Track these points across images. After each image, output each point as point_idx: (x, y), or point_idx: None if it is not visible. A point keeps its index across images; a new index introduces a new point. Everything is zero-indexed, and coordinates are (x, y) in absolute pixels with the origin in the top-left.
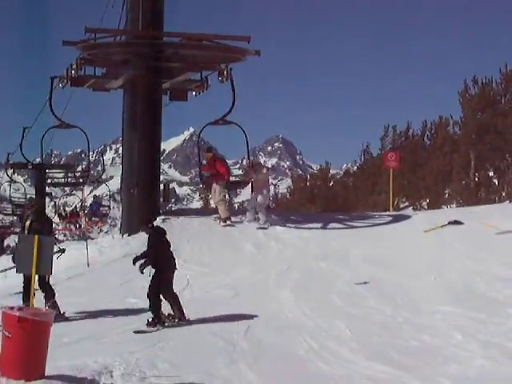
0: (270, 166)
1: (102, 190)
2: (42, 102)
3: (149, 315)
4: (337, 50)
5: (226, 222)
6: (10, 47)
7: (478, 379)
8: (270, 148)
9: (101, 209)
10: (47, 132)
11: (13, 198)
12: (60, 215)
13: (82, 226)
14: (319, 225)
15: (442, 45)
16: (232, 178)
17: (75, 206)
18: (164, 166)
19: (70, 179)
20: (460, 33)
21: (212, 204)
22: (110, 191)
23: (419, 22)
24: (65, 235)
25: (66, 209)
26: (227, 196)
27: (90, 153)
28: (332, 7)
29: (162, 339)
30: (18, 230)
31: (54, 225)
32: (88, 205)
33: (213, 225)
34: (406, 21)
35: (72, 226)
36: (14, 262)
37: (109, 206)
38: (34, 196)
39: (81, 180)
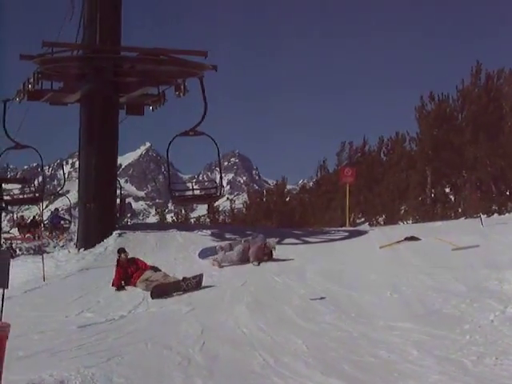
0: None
1: (59, 204)
2: None
3: (104, 330)
4: (294, 63)
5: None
6: None
7: None
8: (226, 163)
9: (61, 222)
10: (2, 153)
11: None
12: (19, 226)
13: (40, 238)
14: (275, 239)
15: (399, 59)
16: (194, 192)
17: (34, 217)
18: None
19: (26, 194)
20: (418, 47)
21: (168, 219)
22: (70, 203)
23: (377, 35)
24: (20, 249)
25: (25, 220)
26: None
27: (46, 167)
28: (289, 18)
29: (118, 354)
30: None
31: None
32: (48, 218)
33: (168, 239)
34: (365, 33)
35: (31, 237)
36: None
37: (69, 220)
38: None
39: (37, 195)
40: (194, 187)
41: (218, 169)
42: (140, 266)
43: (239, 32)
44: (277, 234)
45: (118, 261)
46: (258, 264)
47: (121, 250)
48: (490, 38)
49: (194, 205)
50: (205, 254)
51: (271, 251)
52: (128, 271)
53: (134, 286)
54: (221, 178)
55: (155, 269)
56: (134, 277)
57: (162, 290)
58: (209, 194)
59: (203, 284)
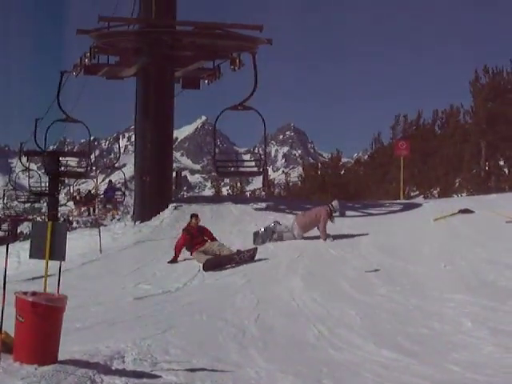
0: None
1: (115, 177)
2: (54, 93)
3: (160, 301)
4: (349, 36)
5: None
6: (24, 38)
7: (487, 366)
8: (281, 137)
9: (116, 194)
10: (52, 125)
11: (31, 188)
12: (75, 200)
13: (96, 212)
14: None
15: (453, 33)
16: (245, 169)
17: (89, 191)
18: (176, 154)
19: (81, 167)
20: (472, 21)
21: (224, 192)
22: (125, 176)
23: (431, 10)
24: (77, 222)
25: (81, 194)
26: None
27: (103, 141)
28: None
29: (174, 325)
30: (31, 217)
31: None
32: (103, 191)
33: (224, 212)
34: (417, 7)
35: (87, 210)
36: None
37: (123, 192)
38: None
39: (89, 168)
40: (240, 160)
41: (270, 142)
42: (207, 237)
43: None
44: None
45: (187, 225)
46: (325, 240)
47: (193, 215)
48: None
49: (250, 178)
50: (258, 238)
51: (332, 213)
52: (193, 241)
53: (191, 255)
54: (265, 152)
55: (213, 246)
56: (197, 248)
57: (215, 263)
58: (253, 168)
59: (258, 256)
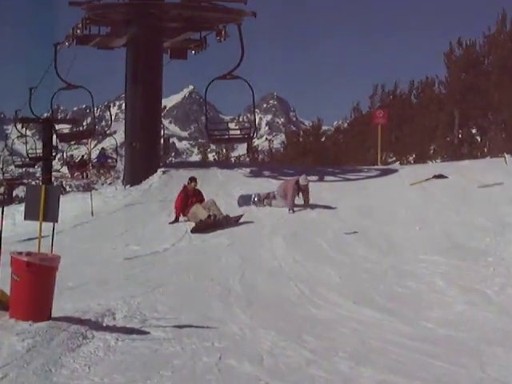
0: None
1: (106, 144)
2: (46, 62)
3: (149, 261)
4: (330, 10)
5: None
6: (16, 6)
7: (459, 323)
8: (265, 105)
9: (108, 161)
10: (56, 93)
11: (29, 153)
12: (69, 165)
13: (89, 175)
14: (312, 177)
15: (429, 6)
16: (230, 133)
17: (82, 156)
18: (165, 122)
19: (75, 132)
20: None
21: (210, 158)
22: (117, 143)
23: None
24: (70, 186)
25: (74, 159)
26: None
27: (95, 109)
28: None
29: (162, 284)
30: (26, 181)
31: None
32: (95, 157)
33: (210, 177)
34: None
35: (80, 175)
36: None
37: (116, 159)
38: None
39: (86, 134)
40: (231, 128)
41: (253, 111)
42: (200, 199)
43: None
44: (313, 172)
45: (184, 187)
46: (293, 211)
47: (192, 179)
48: None
49: (235, 144)
50: (243, 201)
51: (307, 187)
52: (189, 201)
53: (185, 214)
54: (254, 120)
55: (208, 203)
56: (189, 207)
57: (201, 228)
58: (243, 135)
59: (242, 219)
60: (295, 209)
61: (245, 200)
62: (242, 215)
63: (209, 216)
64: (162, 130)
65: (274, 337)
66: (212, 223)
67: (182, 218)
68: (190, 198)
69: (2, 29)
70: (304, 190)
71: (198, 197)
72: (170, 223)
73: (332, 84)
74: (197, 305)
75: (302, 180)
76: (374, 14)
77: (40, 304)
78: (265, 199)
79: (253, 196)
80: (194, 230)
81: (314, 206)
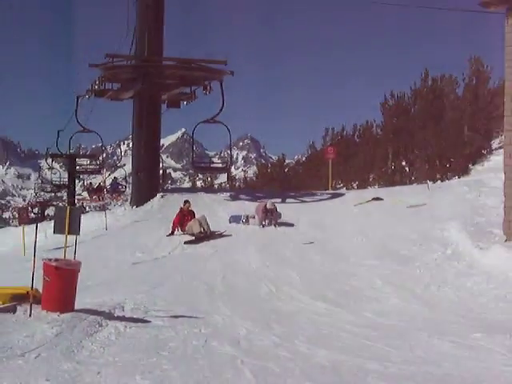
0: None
1: (117, 174)
2: (72, 110)
3: (150, 265)
4: (292, 70)
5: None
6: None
7: (392, 314)
8: (241, 143)
9: (119, 187)
10: (74, 135)
11: (54, 181)
12: (88, 190)
13: (103, 199)
14: (278, 199)
15: (366, 67)
16: (211, 165)
17: (99, 184)
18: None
19: (93, 166)
20: (382, 57)
21: (198, 185)
22: (125, 173)
23: (348, 42)
24: (89, 207)
25: (93, 186)
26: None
27: (108, 146)
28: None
29: (160, 284)
30: (55, 203)
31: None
32: (109, 184)
33: (198, 199)
34: (342, 35)
35: (97, 198)
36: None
37: (125, 186)
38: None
39: (98, 166)
40: (213, 161)
41: (232, 147)
42: (192, 218)
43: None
44: (278, 195)
45: (181, 209)
46: (263, 226)
47: (186, 202)
48: (438, 48)
49: (217, 174)
50: (234, 220)
51: (275, 209)
52: (184, 218)
53: (182, 229)
54: (231, 155)
55: (200, 219)
56: (186, 224)
57: (193, 241)
58: (221, 167)
59: (224, 233)
60: (265, 225)
61: (235, 219)
62: (224, 231)
63: (200, 232)
64: (160, 163)
65: (248, 325)
66: (203, 237)
67: (176, 232)
68: (185, 216)
69: (37, 83)
70: (271, 212)
71: (191, 215)
72: (168, 236)
73: (294, 127)
74: (188, 299)
75: (269, 204)
76: (326, 72)
77: (66, 299)
78: (250, 219)
79: (242, 216)
80: (186, 242)
81: (279, 223)
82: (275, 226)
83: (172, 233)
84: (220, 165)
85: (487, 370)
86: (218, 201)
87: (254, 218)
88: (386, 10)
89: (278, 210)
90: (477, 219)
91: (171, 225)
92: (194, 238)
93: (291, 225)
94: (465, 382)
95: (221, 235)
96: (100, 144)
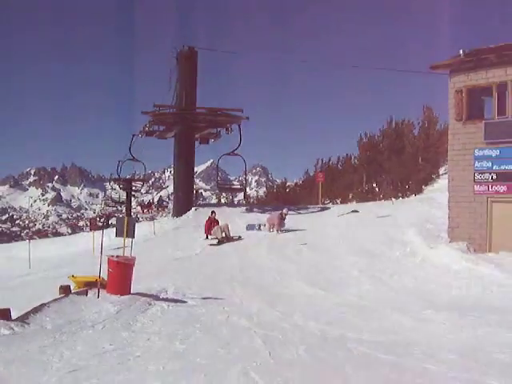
0: (255, 184)
1: (163, 193)
2: (128, 145)
3: (186, 260)
4: (287, 110)
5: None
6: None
7: (366, 295)
8: (254, 170)
9: (164, 203)
10: (124, 162)
11: (114, 198)
12: (141, 206)
13: (152, 211)
14: (287, 209)
15: (350, 108)
16: (234, 187)
17: (149, 201)
18: (195, 180)
19: (144, 188)
20: (353, 95)
21: (222, 201)
22: (168, 192)
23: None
24: (142, 218)
25: (144, 202)
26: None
27: (156, 172)
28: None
29: (194, 274)
30: (116, 215)
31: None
32: (156, 200)
33: (221, 211)
34: (328, 93)
35: (147, 211)
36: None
37: (168, 202)
38: (125, 197)
39: (147, 188)
40: (234, 183)
41: (247, 173)
42: (217, 223)
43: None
44: (281, 208)
45: (209, 217)
46: (278, 232)
47: (213, 212)
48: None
49: (236, 193)
50: (250, 228)
51: (285, 217)
52: (212, 225)
53: (210, 233)
54: (245, 179)
55: (223, 226)
56: (212, 228)
57: (215, 244)
58: (239, 187)
59: (242, 237)
60: (279, 231)
61: (251, 227)
62: (241, 236)
63: (222, 237)
64: (194, 185)
65: (259, 304)
66: (223, 240)
67: (209, 236)
68: (212, 223)
69: (103, 126)
70: (285, 217)
71: (216, 223)
72: (204, 239)
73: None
74: (214, 286)
75: (285, 210)
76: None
77: (124, 285)
78: (262, 226)
79: (256, 224)
80: (211, 245)
81: (282, 230)
82: (282, 231)
83: (206, 236)
84: (238, 186)
85: (435, 337)
86: (237, 213)
87: (264, 225)
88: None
89: (285, 219)
90: (428, 226)
91: (204, 230)
92: (217, 241)
93: (290, 231)
94: (419, 346)
95: (239, 238)
96: (150, 171)
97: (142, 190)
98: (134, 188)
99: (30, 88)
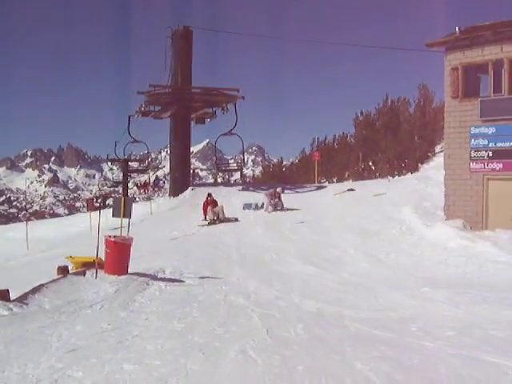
0: (252, 163)
1: (159, 173)
2: (125, 126)
3: (183, 240)
4: (283, 89)
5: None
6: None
7: (363, 274)
8: (250, 150)
9: (160, 183)
10: (126, 145)
11: (112, 179)
12: (137, 186)
13: (149, 191)
14: (278, 190)
15: (348, 90)
16: (231, 168)
17: (145, 181)
18: (192, 160)
19: (141, 167)
20: (346, 73)
21: (218, 180)
22: (165, 173)
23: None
24: (138, 198)
25: (140, 182)
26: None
27: (152, 152)
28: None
29: (190, 253)
30: (113, 195)
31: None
32: (152, 181)
33: (218, 191)
34: (303, 68)
35: (144, 191)
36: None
37: (165, 182)
38: (122, 177)
39: (145, 168)
40: (230, 163)
41: (243, 153)
42: (215, 205)
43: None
44: (277, 187)
45: (206, 198)
46: (269, 211)
47: (209, 194)
48: (396, 77)
49: (232, 172)
50: (246, 207)
51: (280, 196)
52: (208, 206)
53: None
54: (242, 159)
55: (217, 208)
56: (210, 209)
57: (209, 224)
58: (236, 167)
59: (238, 217)
60: (271, 211)
61: (247, 206)
62: (237, 218)
63: (213, 218)
64: (190, 164)
65: (257, 283)
66: (217, 222)
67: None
68: (209, 204)
69: (99, 106)
70: (279, 196)
71: (213, 204)
72: (203, 220)
73: (290, 136)
74: (212, 265)
75: (278, 189)
76: (313, 97)
77: (122, 265)
78: (259, 206)
79: (253, 204)
80: (208, 224)
81: (279, 209)
82: (282, 210)
83: (205, 217)
84: (235, 166)
85: (432, 314)
86: (233, 192)
87: (262, 205)
88: (354, 51)
89: (282, 199)
90: (424, 204)
91: (202, 211)
92: (207, 222)
93: (287, 210)
94: (416, 323)
95: (235, 220)
96: (146, 151)
97: (147, 172)
98: (130, 169)
99: (25, 71)
